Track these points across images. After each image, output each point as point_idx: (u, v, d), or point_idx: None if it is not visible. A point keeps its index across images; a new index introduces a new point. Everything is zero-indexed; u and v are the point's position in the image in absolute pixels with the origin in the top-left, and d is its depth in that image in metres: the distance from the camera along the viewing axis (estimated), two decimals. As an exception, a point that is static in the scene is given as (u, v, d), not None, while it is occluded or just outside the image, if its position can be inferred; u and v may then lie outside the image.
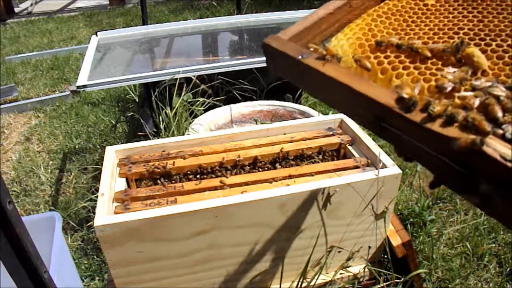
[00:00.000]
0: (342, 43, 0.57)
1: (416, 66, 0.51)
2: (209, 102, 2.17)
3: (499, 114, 0.41)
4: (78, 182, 2.36)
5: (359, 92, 0.46)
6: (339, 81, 0.48)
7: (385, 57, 0.54)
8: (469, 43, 0.51)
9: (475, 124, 0.40)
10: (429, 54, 0.52)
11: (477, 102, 0.43)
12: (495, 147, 0.37)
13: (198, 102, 2.13)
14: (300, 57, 0.52)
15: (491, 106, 0.42)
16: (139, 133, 2.13)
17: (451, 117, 0.41)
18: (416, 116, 0.42)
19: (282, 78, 2.07)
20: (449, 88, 0.46)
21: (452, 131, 0.40)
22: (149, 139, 1.76)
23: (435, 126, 0.41)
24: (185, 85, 2.09)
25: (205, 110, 2.08)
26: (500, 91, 0.43)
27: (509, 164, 0.36)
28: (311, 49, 0.53)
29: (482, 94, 0.44)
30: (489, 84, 0.45)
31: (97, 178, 2.30)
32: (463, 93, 0.45)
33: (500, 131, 0.40)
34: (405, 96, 0.44)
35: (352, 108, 0.50)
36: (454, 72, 0.49)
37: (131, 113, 2.60)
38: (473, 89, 0.46)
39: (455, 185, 0.42)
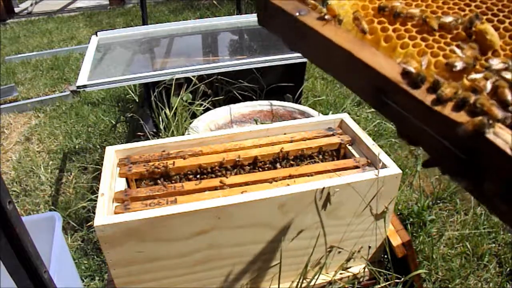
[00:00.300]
0: (343, 3, 0.52)
1: (423, 37, 0.47)
2: (208, 102, 2.17)
3: (509, 97, 0.38)
4: (78, 182, 2.36)
5: (360, 60, 0.42)
6: (339, 45, 0.43)
7: (390, 24, 0.49)
8: (482, 18, 0.46)
9: (484, 110, 0.37)
10: (436, 26, 0.47)
11: (488, 85, 0.40)
12: (506, 138, 0.34)
13: (197, 102, 2.13)
14: (297, 13, 0.47)
15: (501, 88, 0.39)
16: (139, 133, 2.13)
17: (462, 100, 0.38)
18: (423, 95, 0.39)
19: (282, 82, 2.05)
20: (460, 67, 0.42)
21: (461, 116, 0.37)
22: (149, 139, 1.76)
23: (444, 109, 0.38)
24: (185, 85, 2.09)
25: (205, 110, 2.08)
26: None
27: None
28: (310, 6, 0.48)
29: (493, 76, 0.41)
30: (503, 66, 0.41)
31: (97, 178, 2.30)
32: (473, 75, 0.41)
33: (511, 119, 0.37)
34: (413, 70, 0.40)
35: (351, 77, 0.46)
36: (464, 49, 0.45)
37: (131, 113, 2.60)
38: (486, 69, 0.42)
39: (451, 170, 0.39)
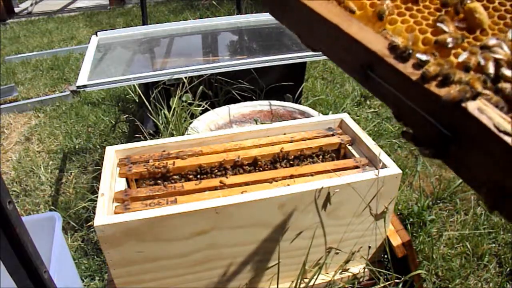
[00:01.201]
0: None
1: (412, 14, 0.47)
2: (208, 103, 2.17)
3: (491, 70, 0.39)
4: (78, 182, 2.36)
5: (348, 34, 0.42)
6: (327, 19, 0.43)
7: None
8: None
9: (469, 83, 0.38)
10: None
11: (481, 60, 0.40)
12: (490, 115, 0.35)
13: (197, 103, 2.13)
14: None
15: (486, 62, 0.40)
16: (139, 133, 2.13)
17: (446, 77, 0.38)
18: (409, 70, 0.39)
19: (282, 82, 2.05)
20: (450, 45, 0.43)
21: (446, 91, 0.38)
22: (149, 139, 1.76)
23: (428, 85, 0.38)
24: (185, 85, 2.09)
25: (205, 111, 2.08)
26: (502, 53, 0.40)
27: (502, 135, 0.34)
28: None
29: (479, 52, 0.41)
30: (494, 42, 0.42)
31: (97, 178, 2.30)
32: (462, 54, 0.42)
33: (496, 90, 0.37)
34: (400, 44, 0.40)
35: (338, 51, 0.45)
36: (452, 26, 0.45)
37: (131, 113, 2.60)
38: (474, 47, 0.43)
39: (432, 145, 0.39)
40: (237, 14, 2.86)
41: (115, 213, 1.09)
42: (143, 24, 2.54)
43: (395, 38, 0.42)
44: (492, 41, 0.42)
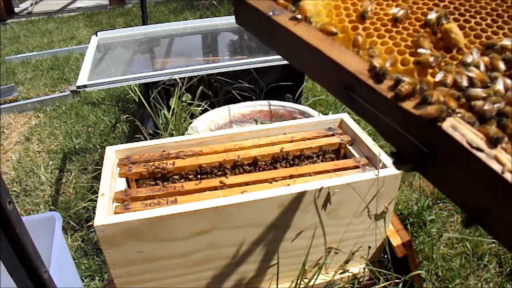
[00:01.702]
0: (316, 2, 0.53)
1: (391, 36, 0.49)
2: (207, 103, 2.17)
3: (465, 83, 0.41)
4: (78, 182, 2.36)
5: (329, 58, 0.44)
6: (310, 43, 0.45)
7: (360, 23, 0.51)
8: (449, 18, 0.49)
9: (445, 103, 0.39)
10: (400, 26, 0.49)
11: (457, 78, 0.42)
12: (463, 132, 0.37)
13: (197, 103, 2.13)
14: (271, 13, 0.49)
15: (460, 76, 0.42)
16: (139, 133, 2.13)
17: (424, 98, 0.39)
18: (385, 90, 0.41)
19: (282, 82, 2.06)
20: (433, 64, 0.45)
21: (422, 111, 0.39)
22: (149, 139, 1.76)
23: (404, 103, 0.40)
24: (184, 85, 2.09)
25: (205, 111, 2.08)
26: (475, 72, 0.42)
27: (475, 151, 0.35)
28: (282, 5, 0.50)
29: (454, 70, 0.43)
30: (470, 60, 0.44)
31: (97, 178, 2.30)
32: (439, 73, 0.43)
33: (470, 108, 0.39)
34: (377, 65, 0.42)
35: (321, 73, 0.48)
36: (430, 46, 0.47)
37: (131, 113, 2.60)
38: (454, 65, 0.45)
39: (415, 162, 0.41)
40: (237, 14, 2.85)
41: (115, 213, 1.09)
42: (143, 24, 2.54)
43: (373, 60, 0.43)
44: (469, 59, 0.44)
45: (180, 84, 2.06)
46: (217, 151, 1.31)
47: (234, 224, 1.08)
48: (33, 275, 0.78)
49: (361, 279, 1.31)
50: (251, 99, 2.22)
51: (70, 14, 6.23)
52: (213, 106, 2.18)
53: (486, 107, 0.39)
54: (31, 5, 6.75)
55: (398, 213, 1.90)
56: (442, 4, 0.51)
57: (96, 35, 2.42)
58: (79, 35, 5.14)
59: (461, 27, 0.48)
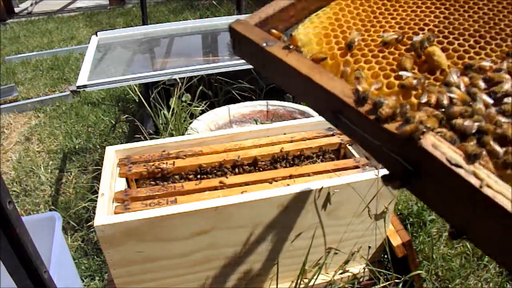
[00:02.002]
0: (307, 31, 0.56)
1: (377, 61, 0.51)
2: (207, 103, 2.17)
3: (446, 103, 0.43)
4: (78, 182, 2.36)
5: (318, 84, 0.46)
6: (300, 72, 0.48)
7: (351, 54, 0.54)
8: (433, 41, 0.51)
9: (422, 122, 0.41)
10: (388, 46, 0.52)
11: (440, 97, 0.45)
12: (443, 150, 0.39)
13: (196, 103, 2.13)
14: (264, 44, 0.52)
15: (442, 96, 0.44)
16: (139, 133, 2.13)
17: (407, 119, 0.42)
18: (368, 112, 0.43)
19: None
20: (418, 87, 0.47)
21: (402, 130, 0.41)
22: (149, 139, 1.76)
23: (386, 125, 0.42)
24: (184, 85, 2.09)
25: (205, 111, 2.08)
26: (457, 92, 0.44)
27: (454, 168, 0.38)
28: (275, 36, 0.53)
29: (437, 90, 0.45)
30: (452, 80, 0.46)
31: (97, 178, 2.30)
32: (423, 95, 0.46)
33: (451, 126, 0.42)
34: (360, 89, 0.44)
35: (312, 98, 0.50)
36: (412, 67, 0.50)
37: (131, 113, 2.60)
38: (437, 86, 0.47)
39: (401, 179, 0.43)
40: (237, 14, 2.86)
41: (115, 213, 1.09)
42: (143, 24, 2.54)
43: (359, 83, 0.46)
44: (450, 79, 0.46)
45: (180, 84, 2.06)
46: (217, 151, 1.31)
47: (234, 224, 1.08)
48: (33, 275, 0.78)
49: (361, 279, 1.31)
50: (251, 99, 2.22)
51: (70, 14, 6.23)
52: (213, 106, 2.18)
53: (466, 124, 0.41)
54: (31, 5, 6.76)
55: (398, 213, 1.90)
56: (427, 28, 0.54)
57: (96, 35, 2.42)
58: (79, 35, 5.14)
59: (445, 49, 0.50)
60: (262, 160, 1.30)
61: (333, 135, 1.38)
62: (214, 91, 2.37)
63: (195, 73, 2.02)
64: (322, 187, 1.11)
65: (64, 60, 4.22)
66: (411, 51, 0.51)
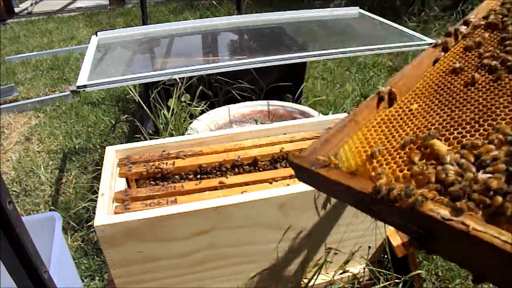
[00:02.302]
0: (346, 153, 0.73)
1: (395, 161, 0.66)
2: (207, 103, 2.16)
3: (443, 176, 0.56)
4: (78, 182, 2.36)
5: (350, 187, 0.63)
6: (339, 181, 0.65)
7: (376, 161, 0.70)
8: (435, 136, 0.66)
9: (423, 194, 0.54)
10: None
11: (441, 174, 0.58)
12: (438, 211, 0.51)
13: (194, 104, 2.13)
14: (313, 167, 0.69)
15: (439, 173, 0.58)
16: (139, 134, 2.13)
17: (407, 194, 0.56)
18: (382, 196, 0.58)
19: (282, 82, 2.10)
20: (418, 174, 0.61)
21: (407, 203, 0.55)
22: (149, 140, 1.76)
23: (396, 203, 0.56)
24: (184, 85, 2.09)
25: (202, 111, 2.08)
26: (451, 169, 0.57)
27: (447, 221, 0.50)
28: (321, 161, 0.70)
29: (434, 171, 0.58)
30: (448, 159, 0.60)
31: (97, 178, 2.30)
32: (424, 178, 0.60)
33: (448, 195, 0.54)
34: (378, 184, 0.59)
35: (352, 199, 0.65)
36: (419, 159, 0.64)
37: (131, 113, 2.60)
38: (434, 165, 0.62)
39: (416, 242, 0.56)
40: (237, 14, 2.86)
41: (115, 213, 1.09)
42: (143, 24, 2.53)
43: (379, 180, 0.60)
44: (446, 159, 0.59)
45: (180, 84, 2.06)
46: (217, 151, 1.31)
47: (234, 224, 1.08)
48: (33, 275, 0.78)
49: (361, 279, 1.31)
50: (251, 99, 2.22)
51: (70, 14, 6.23)
52: (213, 106, 2.18)
53: (457, 189, 0.53)
54: (31, 5, 6.76)
55: (398, 213, 1.89)
56: (433, 127, 0.69)
57: (96, 35, 2.42)
58: (79, 35, 5.14)
59: (447, 139, 0.65)
60: (262, 160, 1.30)
61: (333, 135, 1.38)
62: (214, 91, 2.37)
63: (195, 73, 2.01)
64: (322, 187, 1.11)
65: (64, 60, 4.22)
66: (420, 147, 0.65)
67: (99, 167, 2.04)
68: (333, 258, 1.26)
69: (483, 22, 0.86)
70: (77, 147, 2.73)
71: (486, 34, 0.83)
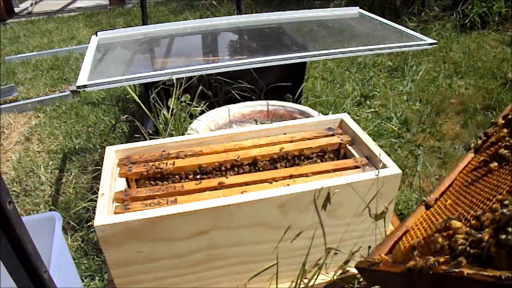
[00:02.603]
0: (397, 251, 0.93)
1: (429, 246, 0.83)
2: (207, 103, 2.16)
3: (440, 240, 0.79)
4: (78, 182, 2.37)
5: (394, 272, 0.83)
6: (387, 270, 0.86)
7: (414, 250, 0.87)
8: (452, 219, 0.83)
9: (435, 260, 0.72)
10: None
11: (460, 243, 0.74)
12: (443, 267, 0.68)
13: (194, 104, 2.13)
14: (370, 266, 0.90)
15: (451, 243, 0.75)
16: (139, 133, 2.13)
17: (429, 267, 0.72)
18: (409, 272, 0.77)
19: (282, 82, 2.12)
20: (439, 250, 0.78)
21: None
22: (149, 140, 1.76)
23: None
24: (183, 85, 2.08)
25: (202, 111, 2.08)
26: (460, 238, 0.73)
27: (450, 273, 0.66)
28: (376, 260, 0.91)
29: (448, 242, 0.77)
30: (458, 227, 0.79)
31: (97, 178, 2.30)
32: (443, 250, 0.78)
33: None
34: (407, 266, 0.77)
35: (397, 280, 0.83)
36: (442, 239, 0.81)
37: (131, 113, 2.60)
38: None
39: None
40: (237, 14, 2.86)
41: (115, 213, 1.09)
42: (143, 24, 2.53)
43: (412, 262, 0.77)
44: (458, 231, 0.77)
45: (180, 84, 2.06)
46: (217, 151, 1.31)
47: (234, 224, 1.08)
48: (33, 275, 0.78)
49: (361, 279, 1.31)
50: (251, 99, 2.22)
51: (70, 14, 6.23)
52: (212, 106, 2.18)
53: (459, 248, 0.71)
54: (31, 5, 6.76)
55: (398, 213, 1.90)
56: (457, 212, 0.88)
57: (96, 35, 2.42)
58: (79, 35, 5.14)
59: (463, 215, 0.85)
60: (262, 160, 1.30)
61: (333, 135, 1.38)
62: (214, 91, 2.37)
63: (195, 73, 2.01)
64: (322, 187, 1.11)
65: (64, 60, 4.22)
66: (446, 230, 0.82)
67: (99, 167, 2.04)
68: (333, 258, 1.26)
69: (503, 121, 1.08)
70: (77, 147, 2.73)
71: (505, 130, 1.03)
